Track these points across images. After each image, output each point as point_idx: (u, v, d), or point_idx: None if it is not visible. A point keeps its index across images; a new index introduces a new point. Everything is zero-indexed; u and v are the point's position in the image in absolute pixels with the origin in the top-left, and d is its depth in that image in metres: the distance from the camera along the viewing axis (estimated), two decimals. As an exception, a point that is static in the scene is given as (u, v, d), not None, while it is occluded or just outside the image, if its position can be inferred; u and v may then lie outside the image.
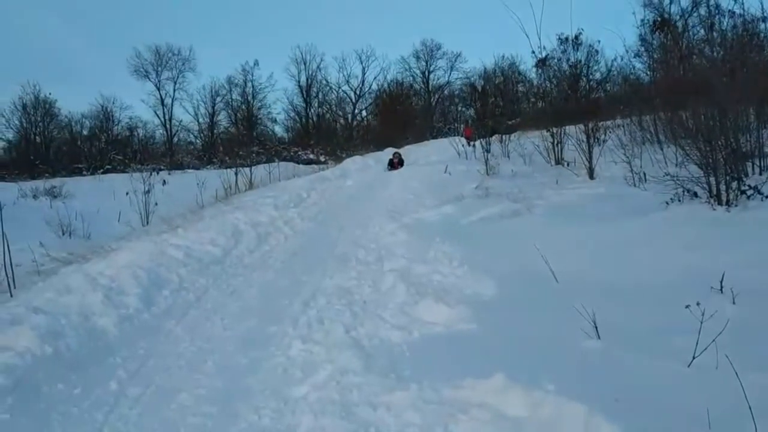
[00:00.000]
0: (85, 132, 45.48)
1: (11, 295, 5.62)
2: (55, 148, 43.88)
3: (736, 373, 2.88)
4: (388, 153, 22.18)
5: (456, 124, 35.47)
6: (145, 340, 4.78)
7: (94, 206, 12.23)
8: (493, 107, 33.04)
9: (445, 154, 16.75)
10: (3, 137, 43.95)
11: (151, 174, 13.31)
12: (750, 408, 2.68)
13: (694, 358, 3.47)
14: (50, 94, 43.70)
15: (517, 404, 3.20)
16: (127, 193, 11.78)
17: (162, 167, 25.38)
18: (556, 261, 5.46)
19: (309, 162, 29.59)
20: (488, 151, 13.82)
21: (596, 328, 4.00)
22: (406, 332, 4.47)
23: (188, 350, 4.65)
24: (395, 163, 18.67)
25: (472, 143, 17.43)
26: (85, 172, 28.03)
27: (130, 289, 5.49)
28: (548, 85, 15.41)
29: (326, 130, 43.72)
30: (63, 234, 10.51)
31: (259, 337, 4.82)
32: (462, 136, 20.16)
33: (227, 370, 4.24)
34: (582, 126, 11.21)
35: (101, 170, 27.28)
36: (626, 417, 2.92)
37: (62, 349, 4.27)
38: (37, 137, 44.08)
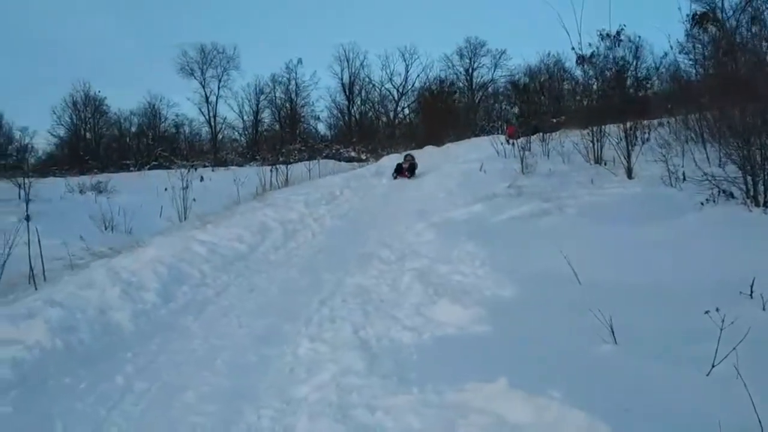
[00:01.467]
0: (133, 129, 46.68)
1: (35, 289, 5.75)
2: (104, 145, 45.17)
3: (745, 384, 2.71)
4: (428, 152, 21.86)
5: (499, 122, 35.08)
6: (159, 336, 4.80)
7: (138, 202, 12.47)
8: (537, 105, 32.49)
9: (485, 152, 16.49)
10: (55, 134, 45.52)
11: (189, 171, 13.49)
12: (759, 421, 2.51)
13: (713, 366, 3.29)
14: (99, 91, 45.07)
15: (518, 410, 3.06)
16: (165, 189, 11.94)
17: (206, 164, 25.86)
18: (581, 262, 5.27)
19: (350, 159, 29.71)
20: (528, 149, 13.58)
21: (613, 332, 3.83)
22: (416, 333, 4.37)
23: (201, 347, 4.65)
24: (404, 170, 15.02)
25: (513, 141, 17.16)
26: (132, 168, 28.74)
27: (149, 284, 5.54)
28: (591, 82, 15.04)
29: (368, 128, 43.73)
30: (105, 229, 10.74)
31: (273, 335, 4.79)
32: (505, 134, 19.88)
33: (236, 368, 4.22)
34: (623, 124, 10.91)
35: (147, 166, 27.87)
36: (633, 428, 2.78)
37: (74, 343, 4.33)
38: (87, 134, 45.42)
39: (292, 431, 3.25)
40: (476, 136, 30.12)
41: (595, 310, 3.92)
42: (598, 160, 11.83)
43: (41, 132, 45.17)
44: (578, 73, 16.88)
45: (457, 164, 15.57)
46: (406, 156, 15.86)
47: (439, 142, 26.82)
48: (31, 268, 6.52)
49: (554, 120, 23.46)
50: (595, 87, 14.51)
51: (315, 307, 5.26)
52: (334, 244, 7.95)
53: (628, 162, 10.12)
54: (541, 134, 16.09)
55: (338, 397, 3.47)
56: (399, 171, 14.96)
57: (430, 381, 3.50)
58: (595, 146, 12.11)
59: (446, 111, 39.66)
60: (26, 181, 12.90)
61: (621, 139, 10.53)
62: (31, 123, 67.08)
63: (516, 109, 40.73)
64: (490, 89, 48.14)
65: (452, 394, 3.32)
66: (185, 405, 3.70)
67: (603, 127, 12.05)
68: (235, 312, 5.41)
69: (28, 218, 9.18)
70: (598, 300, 4.25)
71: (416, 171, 15.13)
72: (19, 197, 11.11)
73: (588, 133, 12.30)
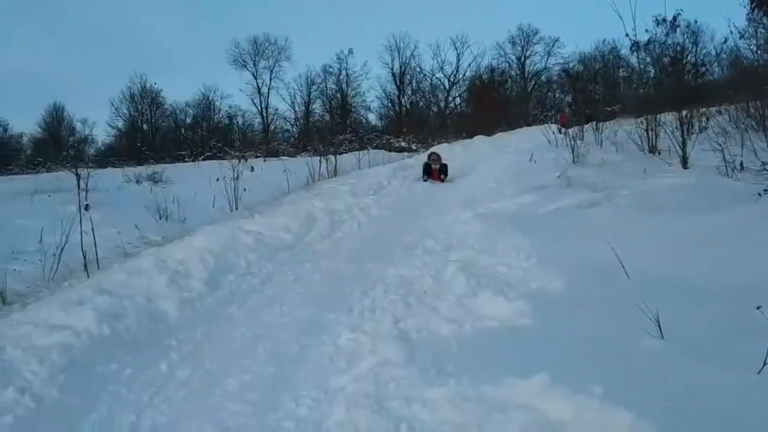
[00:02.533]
0: (188, 120, 47.75)
1: (88, 276, 5.93)
2: (161, 136, 46.39)
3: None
4: (478, 141, 21.61)
5: (552, 111, 34.40)
6: (204, 324, 4.89)
7: (192, 192, 12.67)
8: (591, 93, 31.73)
9: (536, 142, 16.20)
10: (113, 125, 46.98)
11: (240, 161, 13.68)
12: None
13: (765, 365, 3.14)
14: (155, 84, 46.24)
15: (559, 407, 2.98)
16: (218, 180, 12.13)
17: (257, 155, 26.20)
18: (629, 255, 5.11)
19: (400, 150, 29.60)
20: (580, 138, 13.30)
21: (660, 328, 3.71)
22: (457, 326, 4.32)
23: (244, 336, 4.71)
24: (433, 171, 12.97)
25: (565, 130, 16.81)
26: (186, 159, 29.33)
27: (196, 273, 5.64)
28: (646, 70, 14.59)
29: (418, 118, 43.58)
30: (160, 218, 10.95)
31: (315, 325, 4.82)
32: (557, 123, 19.49)
33: (277, 357, 4.26)
34: (678, 112, 10.54)
35: (201, 157, 28.40)
36: (679, 428, 2.68)
37: (121, 330, 4.44)
38: (144, 125, 46.71)
39: (329, 420, 3.25)
40: (528, 125, 29.67)
41: (642, 305, 3.80)
42: (653, 150, 11.48)
43: (100, 124, 46.90)
44: (633, 60, 16.38)
45: (507, 154, 15.38)
46: (430, 155, 13.34)
47: (489, 131, 26.51)
48: (85, 256, 6.73)
49: (608, 108, 22.88)
50: (650, 74, 14.09)
51: (357, 298, 5.26)
52: (380, 234, 7.95)
53: (684, 151, 9.77)
54: (594, 123, 15.73)
55: (375, 388, 3.45)
56: (428, 173, 12.85)
57: (468, 374, 3.45)
58: (650, 135, 11.75)
59: (498, 100, 39.20)
60: (86, 171, 13.30)
61: (676, 128, 10.17)
62: (90, 115, 69.55)
63: (569, 98, 39.95)
64: (543, 78, 47.41)
65: (491, 389, 3.26)
66: (226, 392, 3.76)
67: (658, 115, 11.68)
68: (279, 301, 5.46)
69: (86, 207, 9.48)
70: (646, 294, 4.11)
71: (448, 172, 13.01)
72: (79, 187, 11.45)
73: (642, 122, 11.95)
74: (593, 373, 3.21)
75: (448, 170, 13.07)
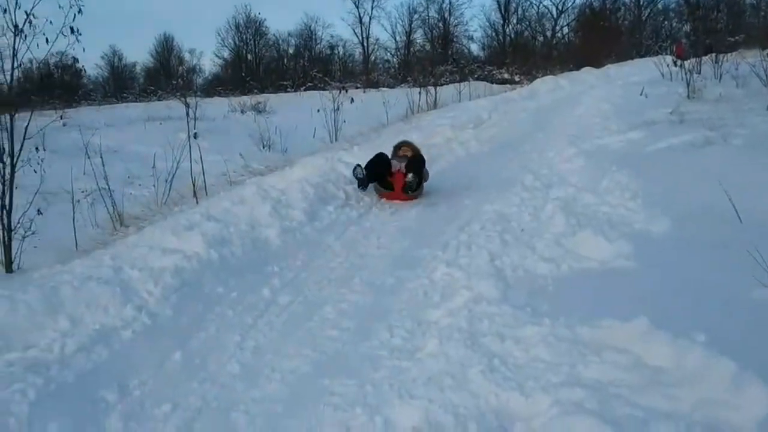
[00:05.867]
0: (290, 50, 48.27)
1: (197, 202, 6.23)
2: (264, 66, 47.18)
3: None
4: (586, 73, 20.64)
5: (667, 42, 32.19)
6: (303, 253, 5.06)
7: (293, 122, 12.90)
8: (713, 22, 29.37)
9: (648, 75, 15.30)
10: (220, 56, 48.30)
11: (340, 92, 13.74)
12: None
13: None
14: (259, 13, 46.91)
15: (658, 352, 2.89)
16: (318, 110, 12.27)
17: (357, 85, 26.23)
18: (743, 198, 4.79)
19: (502, 82, 28.79)
20: (697, 71, 12.42)
21: (772, 276, 3.50)
22: (554, 265, 4.25)
23: (341, 265, 4.84)
24: (396, 174, 6.59)
25: (681, 63, 15.74)
26: (288, 89, 29.80)
27: (296, 203, 5.79)
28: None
29: (523, 49, 41.98)
30: (263, 147, 11.27)
31: (410, 258, 4.88)
32: (672, 54, 18.25)
33: (373, 288, 4.36)
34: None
35: (303, 87, 28.77)
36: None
37: (227, 255, 4.67)
38: (248, 55, 47.64)
39: (422, 352, 3.32)
40: (640, 56, 28.00)
41: (754, 252, 3.59)
42: (780, 84, 10.59)
43: (207, 54, 48.24)
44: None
45: (615, 87, 14.62)
46: (401, 146, 7.14)
47: (598, 63, 25.24)
48: (194, 183, 7.06)
49: (731, 39, 21.19)
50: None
51: (453, 233, 5.26)
52: (478, 169, 7.84)
53: (815, 86, 8.96)
54: (713, 55, 14.63)
55: (469, 323, 3.47)
56: (378, 177, 6.61)
57: (563, 314, 3.41)
58: (777, 67, 10.83)
59: (608, 30, 37.07)
60: (194, 100, 13.80)
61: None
62: (198, 45, 71.72)
63: (687, 27, 37.18)
64: (659, 5, 44.21)
65: (586, 330, 3.21)
66: (323, 319, 3.91)
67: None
68: (375, 234, 5.56)
69: (195, 136, 9.90)
70: (759, 241, 3.87)
71: (427, 176, 6.79)
72: (188, 116, 11.93)
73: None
74: (696, 319, 3.10)
75: (427, 174, 6.79)
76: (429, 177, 6.87)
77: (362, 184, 6.43)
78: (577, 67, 24.77)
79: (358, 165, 6.48)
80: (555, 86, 17.83)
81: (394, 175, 6.58)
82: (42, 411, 2.85)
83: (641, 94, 11.71)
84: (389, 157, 6.85)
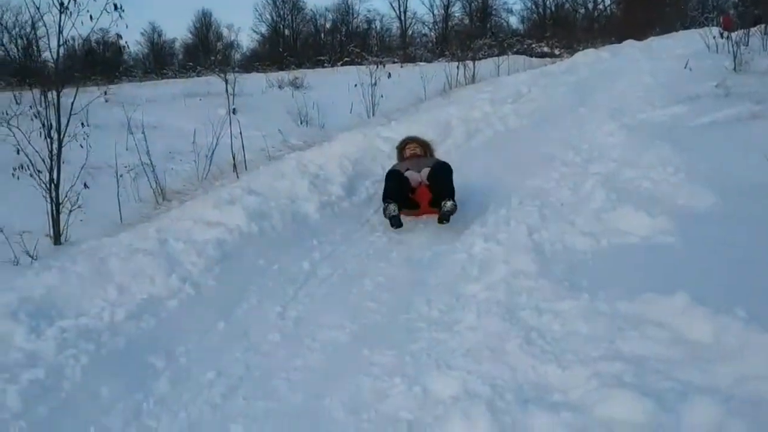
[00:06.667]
0: (327, 25, 48.15)
1: (237, 177, 6.33)
2: (301, 41, 47.17)
3: None
4: (628, 46, 20.13)
5: (714, 13, 31.19)
6: (342, 227, 5.13)
7: (330, 97, 12.92)
8: (764, -9, 28.35)
9: (693, 48, 14.87)
10: (257, 31, 48.48)
11: (377, 67, 13.69)
12: None
13: None
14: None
15: (698, 327, 2.87)
16: (355, 86, 12.26)
17: (394, 60, 26.05)
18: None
19: (542, 55, 28.27)
20: (744, 44, 12.03)
21: (820, 254, 3.44)
22: (593, 240, 4.21)
23: (380, 240, 4.92)
24: (417, 189, 5.35)
25: (728, 34, 15.26)
26: (325, 65, 29.74)
27: (335, 177, 5.85)
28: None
29: (564, 21, 41.15)
30: (300, 123, 11.33)
31: (447, 233, 4.91)
32: (719, 26, 17.69)
33: (410, 262, 4.42)
34: None
35: (340, 63, 28.68)
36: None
37: (267, 228, 4.76)
38: (286, 30, 47.68)
39: (460, 324, 3.35)
40: (685, 29, 27.20)
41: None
42: (834, 56, 10.23)
43: (245, 29, 48.41)
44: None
45: (659, 60, 14.28)
46: (403, 143, 6.12)
47: (641, 36, 24.60)
48: (234, 158, 7.16)
49: (784, 8, 20.45)
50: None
51: (492, 208, 5.25)
52: (517, 143, 7.77)
53: None
54: (762, 26, 14.15)
55: (507, 297, 3.49)
56: (398, 193, 5.17)
57: (602, 289, 3.39)
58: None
59: (652, 1, 36.05)
60: (232, 76, 13.89)
61: None
62: (236, 21, 71.99)
63: (737, -3, 35.97)
64: (706, -25, 42.79)
65: (625, 304, 3.19)
66: (363, 291, 4.00)
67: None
68: (413, 208, 5.59)
69: (234, 111, 9.99)
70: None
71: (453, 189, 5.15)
72: (226, 91, 12.04)
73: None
74: (738, 296, 3.05)
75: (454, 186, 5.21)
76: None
77: (397, 223, 4.97)
78: (619, 40, 24.17)
79: (389, 201, 5.02)
80: (596, 60, 17.41)
81: (416, 191, 5.33)
82: (94, 375, 2.98)
83: (685, 67, 11.40)
84: (401, 170, 5.43)
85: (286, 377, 3.08)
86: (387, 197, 5.05)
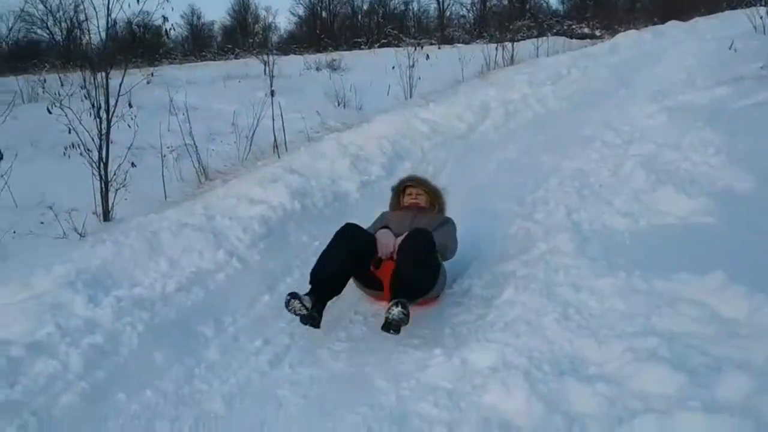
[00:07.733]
0: (364, 6, 48.03)
1: (278, 157, 6.47)
2: (338, 23, 47.15)
3: None
4: (671, 27, 19.71)
5: (763, -9, 30.29)
6: (382, 206, 5.19)
7: (368, 79, 12.98)
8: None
9: (739, 28, 14.51)
10: (295, 13, 48.64)
11: (415, 49, 13.69)
12: None
13: None
14: (335, -30, 46.61)
15: (732, 305, 2.90)
16: (393, 67, 12.29)
17: (432, 42, 25.93)
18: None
19: (582, 36, 27.80)
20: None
21: None
22: (632, 220, 4.24)
23: (417, 222, 4.99)
24: (383, 263, 3.55)
25: (778, 14, 14.84)
26: (363, 46, 29.73)
27: (374, 158, 5.96)
28: None
29: (605, 2, 40.33)
30: (338, 105, 11.42)
31: (485, 212, 4.97)
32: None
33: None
34: None
35: (377, 44, 28.65)
36: None
37: (309, 206, 4.91)
38: (323, 12, 47.71)
39: (498, 299, 3.44)
40: (731, 8, 26.46)
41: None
42: None
43: (283, 12, 48.55)
44: None
45: (702, 41, 13.99)
46: (403, 184, 4.34)
47: (685, 16, 24.03)
48: (275, 139, 7.31)
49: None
50: None
51: (530, 188, 5.30)
52: (557, 125, 7.76)
53: None
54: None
55: (545, 274, 3.54)
56: (341, 265, 3.46)
57: (639, 268, 3.42)
58: None
59: (698, -21, 35.09)
60: (270, 58, 14.02)
61: None
62: (273, 3, 72.24)
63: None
64: (755, -49, 41.47)
65: (661, 283, 3.23)
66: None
67: None
68: (454, 190, 5.62)
69: (273, 93, 10.12)
70: None
71: (447, 239, 3.77)
72: (265, 73, 12.19)
73: None
74: (776, 276, 3.07)
75: (455, 240, 3.89)
76: (456, 242, 3.88)
77: (307, 320, 3.22)
78: (662, 21, 23.64)
79: (310, 285, 3.38)
80: (638, 41, 17.09)
81: (382, 265, 3.57)
82: (148, 342, 3.17)
83: (730, 48, 11.18)
84: (376, 226, 3.90)
85: (329, 347, 3.22)
86: (312, 273, 3.40)
